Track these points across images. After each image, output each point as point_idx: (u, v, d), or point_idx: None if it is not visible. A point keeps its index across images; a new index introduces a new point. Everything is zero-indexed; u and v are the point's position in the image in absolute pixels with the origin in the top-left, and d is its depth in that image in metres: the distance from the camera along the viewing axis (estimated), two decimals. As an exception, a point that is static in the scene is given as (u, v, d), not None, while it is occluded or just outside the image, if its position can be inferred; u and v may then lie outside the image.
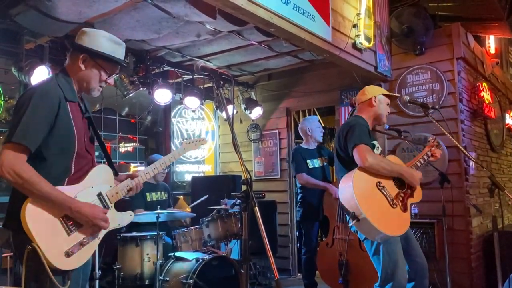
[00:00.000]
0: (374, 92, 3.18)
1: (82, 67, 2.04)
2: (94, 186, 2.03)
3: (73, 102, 2.01)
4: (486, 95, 5.41)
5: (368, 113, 3.16)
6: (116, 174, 2.18)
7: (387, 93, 3.23)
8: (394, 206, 2.85)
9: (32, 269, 1.81)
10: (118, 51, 2.11)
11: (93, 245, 2.00)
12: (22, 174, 1.79)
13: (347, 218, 2.90)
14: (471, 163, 4.83)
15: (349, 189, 2.78)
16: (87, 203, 1.94)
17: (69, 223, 1.90)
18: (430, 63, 5.04)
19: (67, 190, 1.92)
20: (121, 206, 2.21)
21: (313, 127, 4.95)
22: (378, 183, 2.85)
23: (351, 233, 4.20)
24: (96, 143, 2.22)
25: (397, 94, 3.42)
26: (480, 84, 5.36)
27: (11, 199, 1.93)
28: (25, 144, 1.81)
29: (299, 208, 4.88)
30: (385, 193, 2.85)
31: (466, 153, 3.53)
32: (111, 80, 2.14)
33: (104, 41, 2.06)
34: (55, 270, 1.82)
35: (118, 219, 2.14)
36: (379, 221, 2.73)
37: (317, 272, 4.76)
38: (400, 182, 2.98)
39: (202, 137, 2.61)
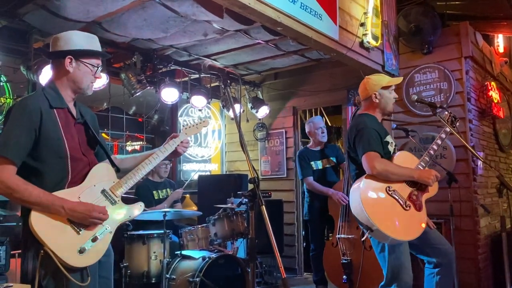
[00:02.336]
0: (374, 87, 3.06)
1: (70, 69, 2.05)
2: (97, 184, 2.05)
3: (61, 109, 2.04)
4: (494, 95, 5.37)
5: (374, 109, 3.10)
6: (117, 170, 2.18)
7: (387, 83, 3.07)
8: (408, 208, 2.81)
9: (49, 271, 1.87)
10: (95, 43, 2.15)
11: (107, 239, 2.03)
12: (10, 184, 1.84)
13: (362, 228, 2.87)
14: (479, 162, 4.80)
15: (358, 202, 2.76)
16: (81, 202, 1.95)
17: (76, 223, 1.93)
18: (438, 62, 5.02)
19: (69, 192, 1.95)
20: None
21: (312, 129, 4.89)
22: (388, 188, 2.81)
23: (354, 232, 4.19)
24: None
25: (398, 79, 3.26)
26: (488, 83, 5.33)
27: (22, 214, 1.97)
28: (8, 156, 1.85)
29: (306, 207, 4.90)
30: (396, 197, 2.80)
31: (474, 152, 3.49)
32: (99, 74, 2.16)
33: (80, 39, 2.09)
34: (71, 268, 1.86)
35: (127, 212, 2.15)
36: (393, 229, 2.72)
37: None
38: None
39: (204, 119, 2.57)
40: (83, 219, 1.92)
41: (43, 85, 2.11)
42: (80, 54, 2.06)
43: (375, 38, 4.57)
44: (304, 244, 6.20)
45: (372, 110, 3.11)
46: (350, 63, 4.60)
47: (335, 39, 4.07)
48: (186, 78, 5.49)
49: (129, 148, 6.39)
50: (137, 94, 4.81)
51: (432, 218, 4.63)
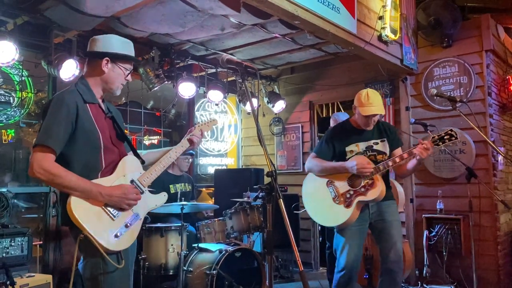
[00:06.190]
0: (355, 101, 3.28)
1: (106, 70, 2.18)
2: (126, 175, 2.16)
3: (93, 104, 2.16)
4: (516, 89, 5.26)
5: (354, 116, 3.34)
6: (143, 162, 2.31)
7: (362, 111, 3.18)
8: (337, 202, 3.18)
9: (88, 254, 2.01)
10: (130, 49, 2.28)
11: (137, 225, 2.15)
12: (51, 170, 1.96)
13: None
14: (500, 158, 4.72)
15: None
16: (115, 186, 2.07)
17: (111, 210, 2.04)
18: (457, 56, 4.94)
19: (102, 181, 2.06)
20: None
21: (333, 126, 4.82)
22: (328, 182, 3.24)
23: None
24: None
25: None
26: (510, 77, 5.22)
27: (61, 199, 2.09)
28: (49, 145, 1.97)
29: None
30: (331, 191, 3.22)
31: (495, 147, 3.43)
32: (129, 77, 2.29)
33: (118, 43, 2.23)
34: (108, 252, 1.98)
35: (154, 201, 2.29)
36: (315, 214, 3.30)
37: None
38: (355, 179, 3.17)
39: (213, 118, 2.76)
40: (119, 202, 2.04)
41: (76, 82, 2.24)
42: (117, 57, 2.20)
43: (393, 31, 4.51)
44: (321, 238, 6.19)
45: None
46: (368, 57, 4.56)
47: (353, 32, 4.03)
48: (203, 73, 5.51)
49: (146, 142, 6.47)
50: (155, 88, 4.85)
51: (451, 214, 4.64)
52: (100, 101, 2.22)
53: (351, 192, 3.14)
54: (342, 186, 3.19)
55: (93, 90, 2.18)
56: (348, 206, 3.12)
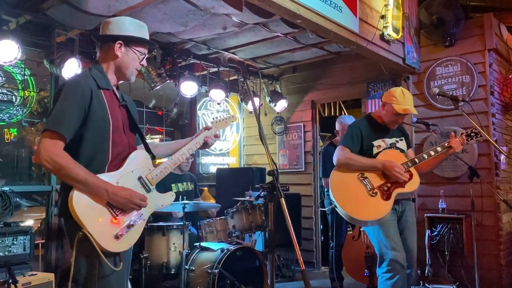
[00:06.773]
0: (386, 97, 3.29)
1: (119, 54, 2.07)
2: (134, 171, 2.05)
3: (107, 90, 2.05)
4: (519, 88, 5.25)
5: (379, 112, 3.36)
6: (153, 157, 2.20)
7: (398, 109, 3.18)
8: (374, 195, 3.10)
9: (83, 253, 1.87)
10: (144, 32, 2.16)
11: (140, 227, 2.04)
12: (59, 161, 1.83)
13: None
14: (502, 157, 4.71)
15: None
16: (123, 187, 1.96)
17: (114, 208, 1.93)
18: (460, 55, 4.93)
19: (108, 177, 1.95)
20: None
21: (340, 130, 4.77)
22: (360, 175, 3.17)
23: None
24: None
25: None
26: (512, 76, 5.21)
27: (61, 189, 1.98)
28: (60, 131, 1.85)
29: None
30: (365, 183, 3.14)
31: (498, 147, 3.44)
32: (144, 62, 2.19)
33: (131, 26, 2.11)
34: (106, 253, 1.86)
35: (160, 200, 2.18)
36: (350, 208, 3.12)
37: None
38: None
39: (233, 115, 2.63)
40: (123, 204, 1.93)
41: (89, 66, 2.13)
42: (130, 41, 2.08)
43: (395, 30, 4.50)
44: (322, 238, 6.19)
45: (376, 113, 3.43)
46: (370, 56, 4.56)
47: (355, 31, 4.03)
48: (205, 72, 5.51)
49: (148, 141, 6.48)
50: (157, 87, 4.85)
51: (453, 213, 4.63)
52: (114, 88, 2.11)
53: (388, 185, 3.12)
54: (377, 179, 3.15)
55: (108, 76, 2.08)
56: (387, 198, 3.09)
